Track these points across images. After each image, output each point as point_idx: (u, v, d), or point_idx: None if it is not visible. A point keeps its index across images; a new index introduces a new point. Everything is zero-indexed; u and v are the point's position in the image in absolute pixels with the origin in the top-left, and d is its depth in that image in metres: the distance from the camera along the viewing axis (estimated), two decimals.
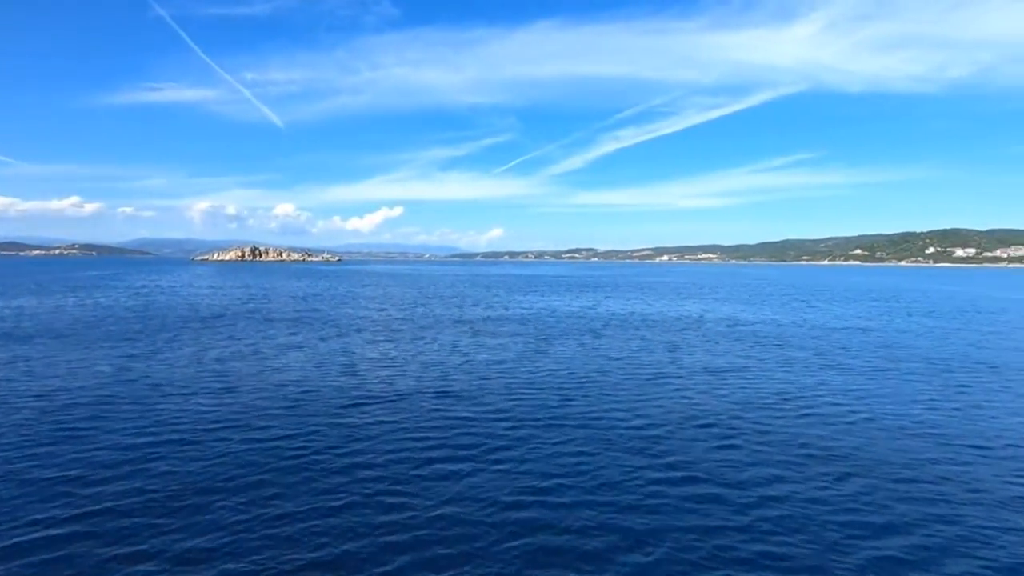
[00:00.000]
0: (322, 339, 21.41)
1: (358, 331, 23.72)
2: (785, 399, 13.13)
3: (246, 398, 12.20)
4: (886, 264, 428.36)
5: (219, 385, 13.47)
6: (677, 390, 13.89)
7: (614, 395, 13.31)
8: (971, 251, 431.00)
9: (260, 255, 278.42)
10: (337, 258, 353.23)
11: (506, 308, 35.09)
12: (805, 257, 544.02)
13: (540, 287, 62.17)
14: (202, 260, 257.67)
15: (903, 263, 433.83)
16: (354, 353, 18.34)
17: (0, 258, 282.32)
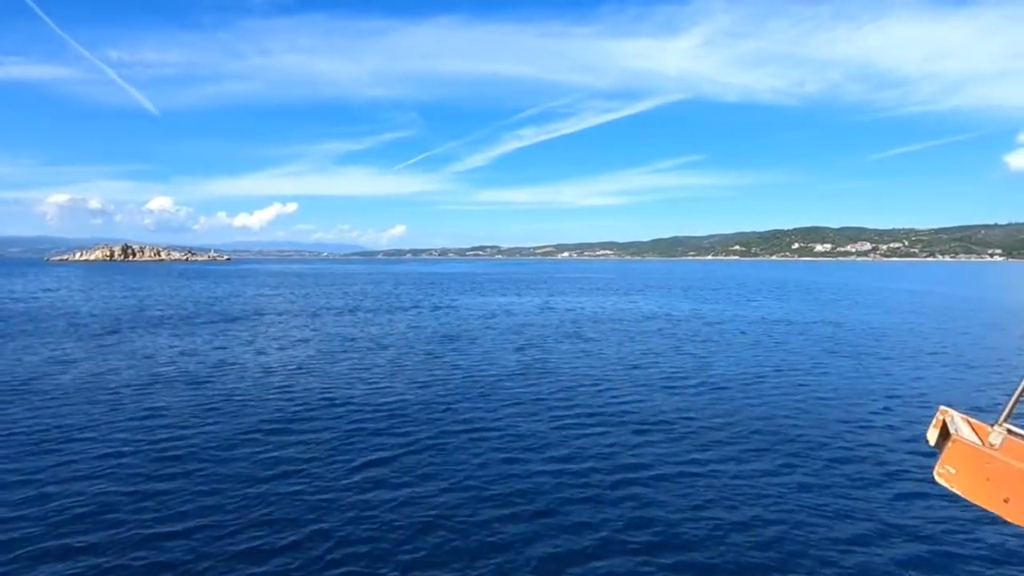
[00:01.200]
0: (266, 371, 18.79)
1: (301, 344, 21.24)
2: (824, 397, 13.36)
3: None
4: (760, 259, 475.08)
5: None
6: (778, 397, 13.59)
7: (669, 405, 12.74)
8: (828, 246, 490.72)
9: (134, 254, 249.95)
10: (226, 257, 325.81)
11: (460, 311, 33.58)
12: (692, 253, 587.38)
13: (474, 285, 60.86)
14: (60, 261, 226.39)
15: (774, 257, 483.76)
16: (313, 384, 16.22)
17: None
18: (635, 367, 16.10)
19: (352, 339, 21.29)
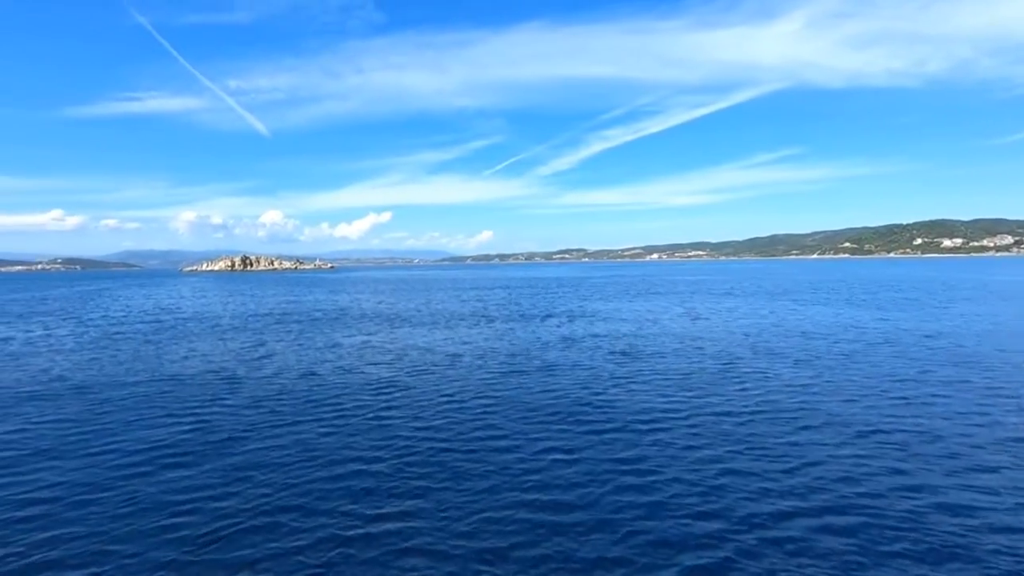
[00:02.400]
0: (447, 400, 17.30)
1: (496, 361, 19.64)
2: None
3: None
4: (875, 256, 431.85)
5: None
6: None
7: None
8: (958, 241, 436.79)
9: (251, 264, 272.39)
10: (330, 265, 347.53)
11: (605, 319, 31.06)
12: (795, 252, 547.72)
13: (591, 290, 58.13)
14: (191, 271, 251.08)
15: (892, 255, 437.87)
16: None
17: None
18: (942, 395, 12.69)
19: (517, 353, 19.38)
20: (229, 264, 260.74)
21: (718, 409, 11.93)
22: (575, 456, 9.24)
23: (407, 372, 16.60)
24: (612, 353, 19.19)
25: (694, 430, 10.51)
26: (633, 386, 14.25)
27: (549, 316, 32.02)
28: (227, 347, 22.21)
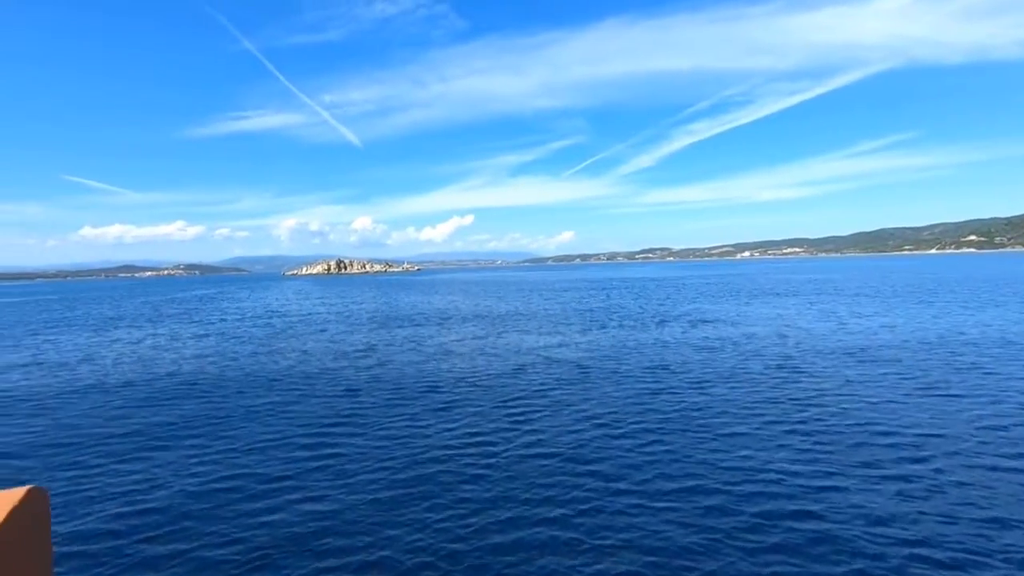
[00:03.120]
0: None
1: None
2: None
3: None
4: (1009, 249, 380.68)
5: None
6: None
7: None
8: None
9: (345, 268, 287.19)
10: (416, 268, 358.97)
11: (731, 324, 27.91)
12: (908, 247, 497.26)
13: (699, 292, 54.12)
14: (292, 275, 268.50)
15: None
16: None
17: (120, 279, 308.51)
18: None
19: (656, 365, 16.98)
20: (326, 268, 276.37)
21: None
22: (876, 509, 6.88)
23: (540, 384, 14.81)
24: (771, 363, 16.34)
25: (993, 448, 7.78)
26: (847, 400, 11.53)
27: (665, 321, 29.15)
28: (352, 349, 21.69)
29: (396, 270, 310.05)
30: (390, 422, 11.59)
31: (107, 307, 56.68)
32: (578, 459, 9.09)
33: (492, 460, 9.16)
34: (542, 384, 14.84)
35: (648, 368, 16.54)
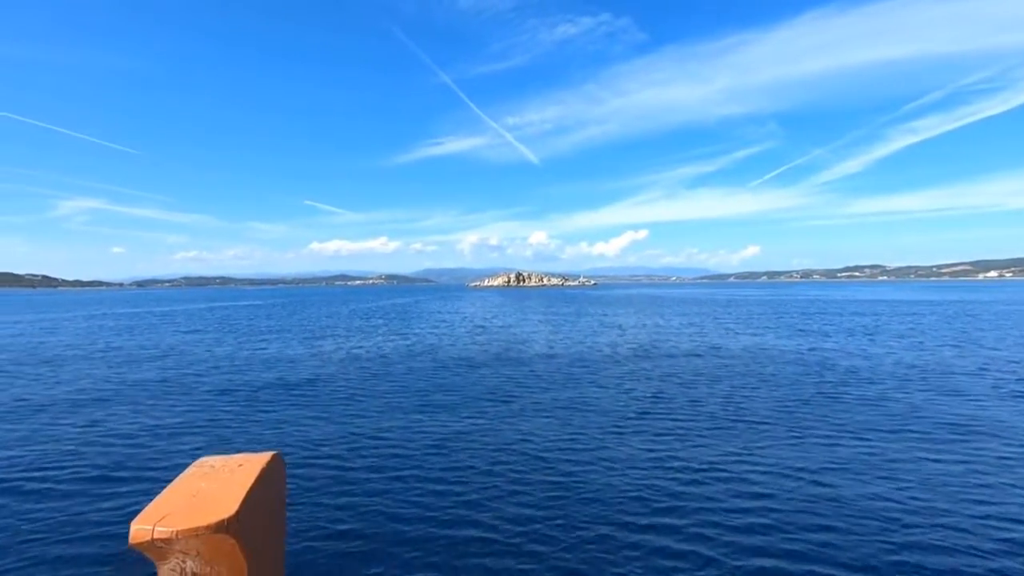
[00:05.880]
0: None
1: None
2: None
3: None
4: None
5: None
6: None
7: None
8: None
9: (523, 280, 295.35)
10: (593, 282, 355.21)
11: None
12: None
13: (980, 323, 39.74)
14: (475, 286, 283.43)
15: None
16: None
17: (336, 287, 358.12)
18: None
19: None
20: (506, 280, 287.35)
21: None
22: None
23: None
24: None
25: None
26: None
27: (986, 373, 18.84)
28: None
29: (573, 284, 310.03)
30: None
31: (380, 318, 60.98)
32: None
33: None
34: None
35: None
